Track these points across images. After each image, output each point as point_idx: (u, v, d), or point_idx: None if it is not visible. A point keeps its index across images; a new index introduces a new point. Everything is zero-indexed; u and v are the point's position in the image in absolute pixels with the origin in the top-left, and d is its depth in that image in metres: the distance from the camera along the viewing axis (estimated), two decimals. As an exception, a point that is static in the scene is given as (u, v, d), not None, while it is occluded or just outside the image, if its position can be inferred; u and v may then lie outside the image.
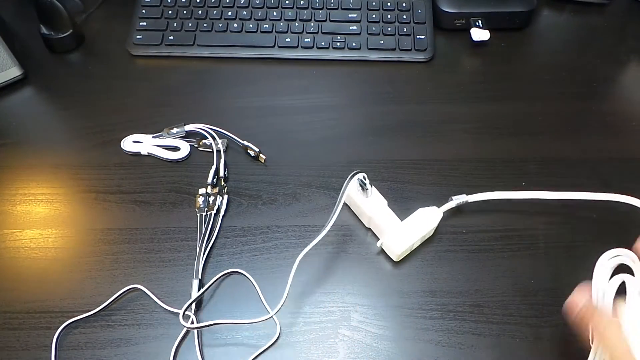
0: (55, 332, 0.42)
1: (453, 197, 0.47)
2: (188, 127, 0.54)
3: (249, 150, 0.53)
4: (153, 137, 0.54)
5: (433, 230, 0.47)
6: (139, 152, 0.54)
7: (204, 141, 0.54)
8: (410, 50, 0.61)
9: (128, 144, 0.54)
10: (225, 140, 0.54)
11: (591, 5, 0.67)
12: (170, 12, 0.64)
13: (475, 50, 0.63)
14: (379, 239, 0.47)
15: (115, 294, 0.44)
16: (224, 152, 0.53)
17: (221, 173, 0.51)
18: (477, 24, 0.62)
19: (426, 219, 0.46)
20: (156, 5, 0.64)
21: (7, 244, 0.48)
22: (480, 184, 0.51)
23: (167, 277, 0.46)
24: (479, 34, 0.61)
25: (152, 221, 0.49)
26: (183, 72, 0.61)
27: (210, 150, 0.53)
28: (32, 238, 0.48)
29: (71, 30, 0.62)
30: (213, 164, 0.51)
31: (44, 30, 0.61)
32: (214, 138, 0.53)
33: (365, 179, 0.45)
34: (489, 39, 0.61)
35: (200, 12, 0.63)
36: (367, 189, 0.46)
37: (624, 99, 0.59)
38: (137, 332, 0.43)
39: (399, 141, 0.55)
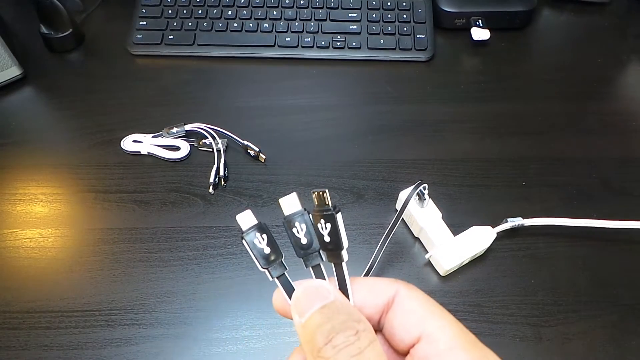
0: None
1: (508, 219, 0.46)
2: (188, 127, 0.54)
3: (249, 150, 0.53)
4: (153, 136, 0.54)
5: (484, 250, 0.46)
6: (139, 152, 0.54)
7: (204, 141, 0.54)
8: (410, 49, 0.61)
9: (128, 143, 0.54)
10: (225, 140, 0.54)
11: (591, 5, 0.67)
12: (170, 11, 0.64)
13: (475, 50, 0.63)
14: (427, 251, 0.46)
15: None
16: (224, 152, 0.53)
17: (221, 173, 0.51)
18: (477, 23, 0.62)
19: (480, 238, 0.45)
20: (156, 4, 0.64)
21: (7, 243, 0.48)
22: (481, 184, 0.51)
23: (167, 277, 0.46)
24: (480, 34, 0.61)
25: (152, 221, 0.49)
26: (183, 71, 0.61)
27: (210, 150, 0.53)
28: (32, 238, 0.48)
29: (71, 30, 0.61)
30: (214, 164, 0.51)
31: (43, 29, 0.61)
32: (214, 138, 0.53)
33: (424, 189, 0.45)
34: (489, 39, 0.61)
35: (200, 11, 0.63)
36: (424, 199, 0.45)
37: (624, 99, 0.59)
38: (137, 332, 0.43)
39: (399, 141, 0.54)
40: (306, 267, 0.23)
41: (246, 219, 0.23)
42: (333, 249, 0.22)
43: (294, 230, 0.23)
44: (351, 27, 0.62)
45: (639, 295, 0.44)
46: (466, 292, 0.45)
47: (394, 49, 0.61)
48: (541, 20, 0.66)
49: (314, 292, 0.22)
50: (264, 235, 0.23)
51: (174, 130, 0.54)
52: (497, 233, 0.46)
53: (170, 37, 0.62)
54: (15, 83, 0.59)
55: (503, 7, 0.62)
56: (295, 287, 0.23)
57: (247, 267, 0.46)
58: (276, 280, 0.23)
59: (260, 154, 0.53)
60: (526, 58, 0.63)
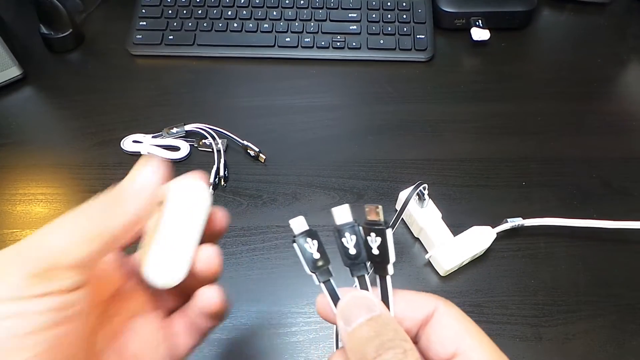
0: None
1: (508, 220, 0.46)
2: (188, 127, 0.54)
3: (249, 150, 0.53)
4: (153, 137, 0.54)
5: (484, 251, 0.46)
6: (139, 152, 0.54)
7: (204, 141, 0.54)
8: (410, 50, 0.61)
9: (128, 143, 0.54)
10: (225, 140, 0.54)
11: (591, 4, 0.67)
12: (170, 11, 0.64)
13: (475, 50, 0.63)
14: (427, 251, 0.47)
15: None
16: (224, 152, 0.53)
17: (221, 173, 0.51)
18: (477, 23, 0.62)
19: (480, 238, 0.45)
20: (156, 4, 0.64)
21: (7, 244, 0.48)
22: (481, 184, 0.51)
23: (167, 277, 0.46)
24: (479, 34, 0.61)
25: (152, 221, 0.49)
26: (183, 71, 0.61)
27: (210, 150, 0.53)
28: (32, 238, 0.48)
29: (71, 30, 0.61)
30: (214, 164, 0.51)
31: (43, 29, 0.61)
32: (214, 138, 0.53)
33: (424, 189, 0.45)
34: (489, 39, 0.61)
35: (200, 11, 0.63)
36: (424, 199, 0.45)
37: (624, 99, 0.59)
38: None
39: (399, 141, 0.55)
40: (352, 276, 0.24)
41: (298, 223, 0.24)
42: (380, 262, 0.23)
43: (344, 240, 0.24)
44: (351, 27, 0.62)
45: (639, 295, 0.44)
46: (466, 292, 0.45)
47: (394, 49, 0.61)
48: (541, 20, 0.66)
49: (361, 302, 0.23)
50: (315, 241, 0.24)
51: (174, 130, 0.54)
52: (497, 233, 0.46)
53: (170, 37, 0.62)
54: (15, 83, 0.59)
55: (503, 7, 0.62)
56: (339, 294, 0.24)
57: (247, 268, 0.46)
58: (322, 285, 0.24)
59: (260, 154, 0.53)
60: (526, 58, 0.63)
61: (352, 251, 0.24)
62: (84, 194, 0.51)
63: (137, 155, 0.54)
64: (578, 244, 0.47)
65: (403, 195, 0.47)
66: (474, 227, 0.46)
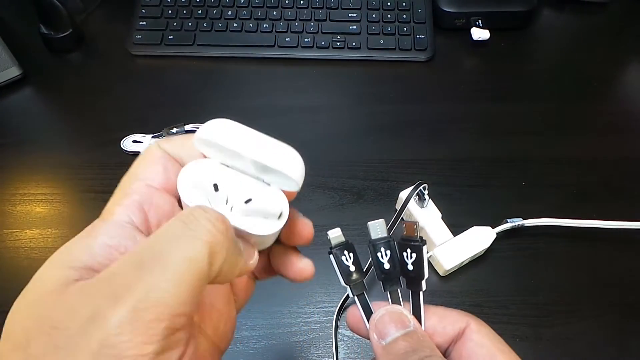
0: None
1: (508, 220, 0.46)
2: (188, 127, 0.54)
3: (249, 150, 0.53)
4: (153, 137, 0.54)
5: (484, 251, 0.46)
6: (139, 152, 0.53)
7: (204, 141, 0.54)
8: (410, 49, 0.61)
9: (128, 143, 0.54)
10: (225, 140, 0.54)
11: (591, 4, 0.67)
12: (170, 11, 0.63)
13: (475, 50, 0.63)
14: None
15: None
16: (224, 152, 0.53)
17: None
18: (477, 23, 0.62)
19: (480, 238, 0.45)
20: (156, 4, 0.64)
21: (7, 243, 0.48)
22: (481, 184, 0.51)
23: (167, 277, 0.45)
24: (479, 34, 0.61)
25: (152, 221, 0.49)
26: (183, 71, 0.61)
27: (210, 150, 0.53)
28: (31, 238, 0.48)
29: (71, 30, 0.61)
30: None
31: (43, 29, 0.61)
32: (214, 138, 0.53)
33: (425, 189, 0.45)
34: (489, 39, 0.61)
35: (200, 11, 0.63)
36: (424, 199, 0.46)
37: (624, 99, 0.59)
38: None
39: (399, 141, 0.54)
40: (384, 291, 0.24)
41: (336, 235, 0.24)
42: (414, 277, 0.24)
43: (379, 254, 0.24)
44: (351, 27, 0.62)
45: (639, 295, 0.44)
46: (466, 292, 0.45)
47: (394, 49, 0.61)
48: (541, 20, 0.66)
49: (396, 317, 0.23)
50: (351, 254, 0.24)
51: (174, 130, 0.54)
52: (497, 233, 0.46)
53: (170, 37, 0.62)
54: (15, 83, 0.59)
55: (503, 7, 0.62)
56: (372, 308, 0.24)
57: (247, 267, 0.46)
58: (356, 298, 0.24)
59: (260, 154, 0.52)
60: (526, 58, 0.63)
61: (386, 266, 0.24)
62: (84, 194, 0.51)
63: (137, 155, 0.54)
64: (578, 244, 0.47)
65: (403, 195, 0.47)
66: (474, 227, 0.46)
